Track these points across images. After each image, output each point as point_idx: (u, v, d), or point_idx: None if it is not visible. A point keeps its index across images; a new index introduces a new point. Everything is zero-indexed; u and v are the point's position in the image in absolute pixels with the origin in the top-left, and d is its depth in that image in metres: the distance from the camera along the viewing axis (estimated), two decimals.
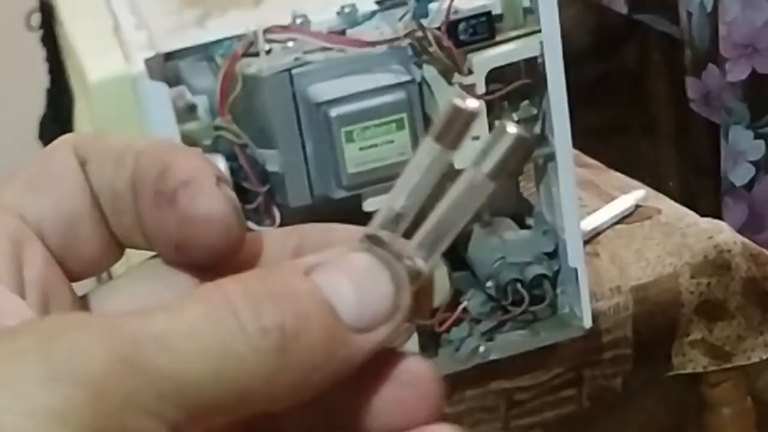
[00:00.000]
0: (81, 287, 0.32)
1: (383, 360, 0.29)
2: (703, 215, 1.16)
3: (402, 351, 0.29)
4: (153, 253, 0.32)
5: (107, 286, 0.32)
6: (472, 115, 0.29)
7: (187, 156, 0.30)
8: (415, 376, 0.29)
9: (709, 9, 1.50)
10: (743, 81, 1.47)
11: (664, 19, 1.69)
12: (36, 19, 1.28)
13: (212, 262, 0.30)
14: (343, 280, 0.28)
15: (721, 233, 1.11)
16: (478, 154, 0.28)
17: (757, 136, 1.51)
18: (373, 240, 0.29)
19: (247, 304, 0.27)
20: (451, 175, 0.29)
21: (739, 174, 1.53)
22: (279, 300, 0.27)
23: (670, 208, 1.17)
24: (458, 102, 0.29)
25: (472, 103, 0.29)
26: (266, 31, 0.88)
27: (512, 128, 0.28)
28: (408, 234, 0.29)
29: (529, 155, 0.27)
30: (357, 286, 0.28)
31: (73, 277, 0.31)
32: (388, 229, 0.29)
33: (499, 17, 0.91)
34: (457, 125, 0.29)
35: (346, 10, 0.91)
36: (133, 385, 0.25)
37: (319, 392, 0.28)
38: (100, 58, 0.90)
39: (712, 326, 1.11)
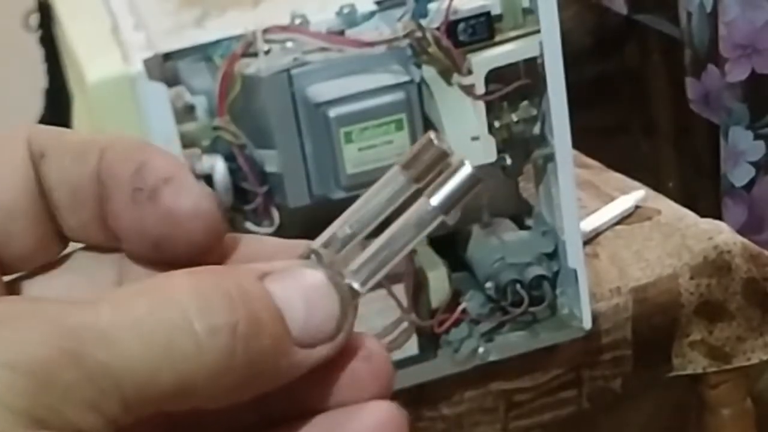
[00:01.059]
0: None
1: None
2: (702, 216, 1.15)
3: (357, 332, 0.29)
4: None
5: (40, 276, 0.32)
6: (442, 154, 0.30)
7: (162, 153, 0.30)
8: (371, 352, 0.29)
9: (708, 9, 1.49)
10: (743, 81, 1.47)
11: (663, 20, 1.69)
12: (34, 19, 1.28)
13: (189, 258, 0.30)
14: (296, 292, 0.28)
15: (720, 234, 1.11)
16: (432, 185, 0.29)
17: (756, 137, 1.50)
18: (318, 257, 0.29)
19: (197, 301, 0.27)
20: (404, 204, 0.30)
21: (739, 175, 1.52)
22: (232, 300, 0.27)
23: (669, 208, 1.17)
24: (432, 137, 0.30)
25: (443, 143, 0.30)
26: (265, 31, 0.88)
27: (468, 166, 0.29)
28: (349, 254, 0.30)
29: (474, 191, 0.29)
30: (307, 302, 0.28)
31: (4, 270, 0.31)
32: (332, 245, 0.29)
33: (499, 17, 0.91)
34: (425, 159, 0.30)
35: (345, 10, 0.91)
36: (73, 378, 0.25)
37: (257, 394, 0.28)
38: (98, 59, 0.90)
39: (712, 327, 1.11)
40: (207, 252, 0.30)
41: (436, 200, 0.29)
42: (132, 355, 0.26)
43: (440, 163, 0.30)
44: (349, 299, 0.28)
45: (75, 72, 0.99)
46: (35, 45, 1.30)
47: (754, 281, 1.11)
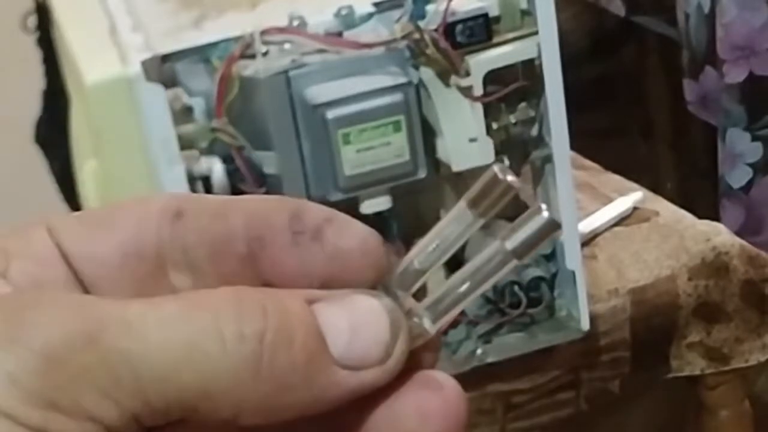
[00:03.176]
0: None
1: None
2: (700, 217, 1.15)
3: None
4: None
5: None
6: (509, 188, 0.29)
7: (310, 202, 0.30)
8: (443, 386, 0.29)
9: (706, 11, 1.49)
10: (741, 83, 1.47)
11: (661, 21, 1.69)
12: (32, 21, 1.28)
13: None
14: (342, 315, 0.28)
15: (718, 235, 1.11)
16: (507, 229, 0.29)
17: (754, 138, 1.50)
18: (387, 292, 0.29)
19: (231, 309, 0.27)
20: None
21: (737, 176, 1.52)
22: (266, 312, 0.27)
23: (667, 210, 1.17)
24: (498, 173, 0.29)
25: (511, 177, 0.29)
26: (263, 33, 0.88)
27: (545, 212, 0.29)
28: (422, 291, 0.30)
29: (552, 238, 0.29)
30: (353, 324, 0.28)
31: None
32: (404, 282, 0.30)
33: (497, 19, 0.91)
34: (493, 196, 0.30)
35: (343, 12, 0.91)
36: (89, 360, 0.25)
37: (299, 415, 0.27)
38: (96, 60, 0.90)
39: (710, 329, 1.11)
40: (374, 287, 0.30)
41: (511, 245, 0.29)
42: (153, 346, 0.26)
43: (506, 196, 0.30)
44: (401, 327, 0.28)
45: (73, 73, 0.99)
46: (33, 47, 1.30)
47: (752, 283, 1.11)
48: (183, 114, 0.88)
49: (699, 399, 1.15)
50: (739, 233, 1.16)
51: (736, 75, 1.47)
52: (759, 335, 1.12)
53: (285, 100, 0.89)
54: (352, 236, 0.29)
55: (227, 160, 0.89)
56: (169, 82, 0.87)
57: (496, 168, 0.29)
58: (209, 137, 0.89)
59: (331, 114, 0.88)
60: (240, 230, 0.29)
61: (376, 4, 0.92)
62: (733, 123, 1.50)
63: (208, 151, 0.89)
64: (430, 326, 0.29)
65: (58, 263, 0.29)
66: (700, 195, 1.69)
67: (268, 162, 0.90)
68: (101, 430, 0.25)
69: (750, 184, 1.53)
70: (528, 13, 0.90)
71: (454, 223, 0.30)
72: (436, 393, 0.28)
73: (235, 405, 0.26)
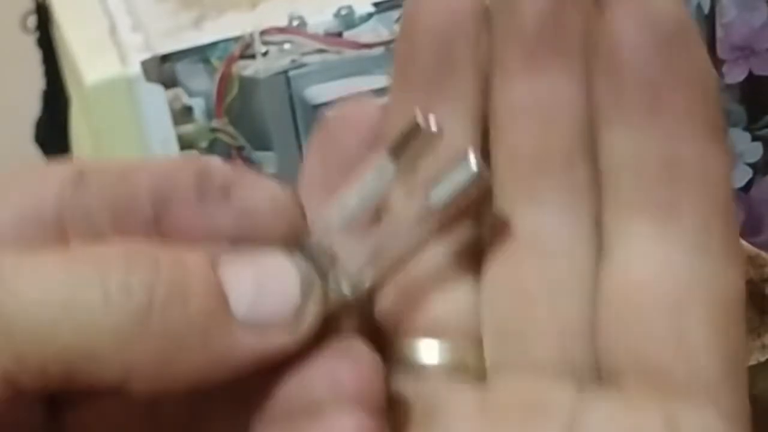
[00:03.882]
0: None
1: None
2: None
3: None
4: None
5: None
6: (432, 137, 0.26)
7: (218, 160, 0.28)
8: (358, 355, 0.26)
9: (706, 11, 1.49)
10: (740, 83, 1.47)
11: None
12: (32, 21, 1.27)
13: None
14: (247, 272, 0.25)
15: None
16: (430, 182, 0.26)
17: (754, 138, 1.50)
18: (302, 252, 0.27)
19: (118, 259, 0.24)
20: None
21: (737, 176, 1.52)
22: (159, 263, 0.25)
23: None
24: (420, 120, 0.26)
25: (435, 126, 0.26)
26: (263, 33, 0.88)
27: (473, 161, 0.26)
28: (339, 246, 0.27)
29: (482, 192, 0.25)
30: (259, 282, 0.25)
31: None
32: (321, 241, 0.27)
33: None
34: (415, 146, 0.26)
35: (343, 12, 0.91)
36: None
37: (197, 383, 0.25)
38: (95, 60, 0.90)
39: None
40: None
41: (433, 198, 0.26)
42: (27, 300, 0.23)
43: (430, 146, 0.26)
44: (313, 288, 0.26)
45: (72, 73, 0.99)
46: (33, 47, 1.29)
47: (752, 283, 1.11)
48: (183, 114, 0.88)
49: None
50: (739, 233, 1.16)
51: (736, 75, 1.47)
52: (759, 335, 1.12)
53: (285, 100, 0.89)
54: (262, 193, 0.27)
55: (227, 160, 0.89)
56: (169, 82, 0.87)
57: (417, 113, 0.26)
58: (209, 137, 0.89)
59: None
60: (144, 191, 0.26)
61: (376, 4, 0.92)
62: (733, 123, 1.50)
63: (208, 151, 0.89)
64: (347, 289, 0.26)
65: None
66: None
67: (268, 162, 0.90)
68: None
69: (750, 184, 1.53)
70: None
71: (374, 176, 0.27)
72: (349, 361, 0.25)
73: (122, 367, 0.24)
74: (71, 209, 0.27)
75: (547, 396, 0.26)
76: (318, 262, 0.26)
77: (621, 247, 0.25)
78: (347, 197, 0.27)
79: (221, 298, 0.25)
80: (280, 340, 0.25)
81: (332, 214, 0.27)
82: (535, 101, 0.27)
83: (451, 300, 0.28)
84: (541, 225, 0.27)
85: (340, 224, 0.27)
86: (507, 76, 0.27)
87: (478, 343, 0.27)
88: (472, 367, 0.27)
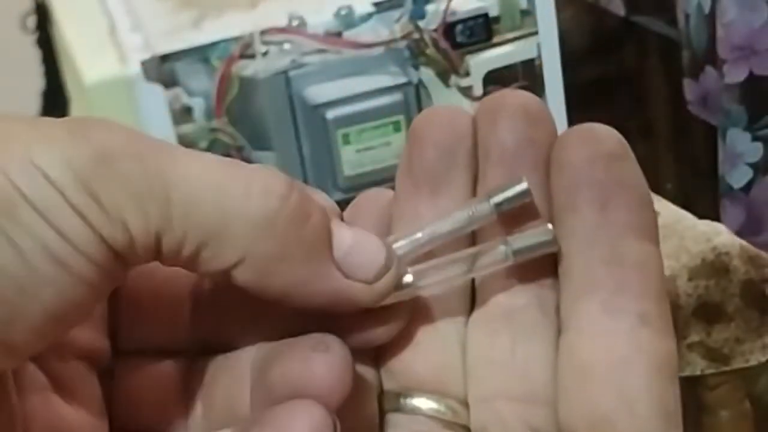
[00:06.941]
0: None
1: None
2: (700, 217, 1.15)
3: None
4: None
5: None
6: (531, 208, 0.31)
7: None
8: (331, 347, 0.29)
9: (706, 11, 1.49)
10: (741, 83, 1.47)
11: (661, 21, 1.69)
12: (32, 21, 1.27)
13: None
14: (348, 230, 0.30)
15: (719, 236, 1.11)
16: (512, 236, 0.30)
17: (755, 138, 1.50)
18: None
19: (264, 172, 0.29)
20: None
21: (737, 176, 1.52)
22: (293, 188, 0.28)
23: (667, 210, 1.17)
24: (527, 186, 0.30)
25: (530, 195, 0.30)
26: (263, 32, 0.88)
27: (550, 231, 0.30)
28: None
29: (547, 252, 0.31)
30: (356, 240, 0.30)
31: None
32: (403, 245, 0.31)
33: (497, 19, 0.91)
34: (516, 202, 0.30)
35: (343, 12, 0.91)
36: (133, 168, 0.27)
37: (285, 293, 0.29)
38: (95, 60, 0.90)
39: (710, 329, 1.11)
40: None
41: (514, 245, 0.30)
42: (190, 176, 0.27)
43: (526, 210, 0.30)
44: (394, 256, 0.30)
45: (72, 74, 0.99)
46: (33, 47, 1.29)
47: (753, 283, 1.11)
48: (183, 114, 0.88)
49: (699, 399, 1.15)
50: (739, 233, 1.16)
51: (736, 75, 1.47)
52: (759, 335, 1.12)
53: (284, 100, 0.89)
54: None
55: None
56: (169, 82, 0.87)
57: (524, 180, 0.30)
58: (209, 137, 0.89)
59: (330, 114, 0.88)
60: None
61: (376, 4, 0.92)
62: (734, 123, 1.50)
63: (208, 151, 0.89)
64: (410, 279, 0.30)
65: None
66: (701, 195, 1.69)
67: (268, 162, 0.90)
68: (125, 236, 0.27)
69: (750, 184, 1.53)
70: (528, 13, 0.90)
71: (469, 210, 0.31)
72: (321, 355, 0.29)
73: (241, 252, 0.28)
74: None
75: None
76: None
77: (575, 323, 0.30)
78: (436, 226, 0.31)
79: (329, 234, 0.29)
80: (360, 291, 0.29)
81: (419, 228, 0.31)
82: None
83: (441, 356, 0.32)
84: (515, 305, 0.31)
85: (420, 246, 0.31)
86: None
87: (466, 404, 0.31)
88: (462, 424, 0.31)
